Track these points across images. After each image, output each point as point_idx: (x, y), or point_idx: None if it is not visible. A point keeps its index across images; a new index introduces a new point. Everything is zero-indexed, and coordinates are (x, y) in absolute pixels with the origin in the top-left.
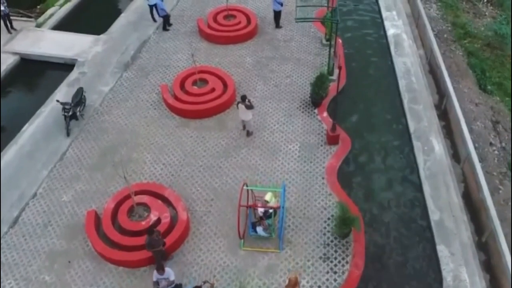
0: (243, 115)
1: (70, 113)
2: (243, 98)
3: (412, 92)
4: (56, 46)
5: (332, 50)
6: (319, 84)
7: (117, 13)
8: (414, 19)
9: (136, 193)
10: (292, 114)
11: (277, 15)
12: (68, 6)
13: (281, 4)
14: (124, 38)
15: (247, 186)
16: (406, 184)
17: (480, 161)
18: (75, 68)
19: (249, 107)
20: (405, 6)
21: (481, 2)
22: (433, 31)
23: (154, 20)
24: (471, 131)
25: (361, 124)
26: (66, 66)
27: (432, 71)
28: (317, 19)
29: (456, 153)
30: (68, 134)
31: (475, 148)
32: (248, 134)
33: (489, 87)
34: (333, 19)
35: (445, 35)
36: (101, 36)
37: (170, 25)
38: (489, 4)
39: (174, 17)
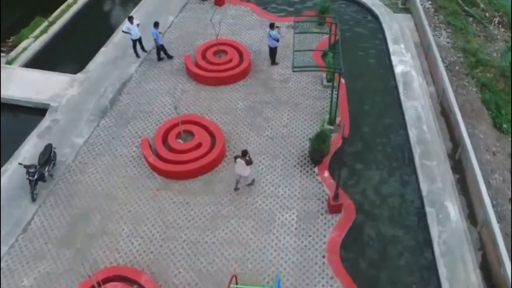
0: (241, 171)
1: (36, 176)
2: (244, 153)
3: (423, 144)
4: (27, 87)
5: (335, 92)
6: (319, 142)
7: (97, 46)
8: (424, 49)
9: (108, 280)
10: (289, 174)
11: (272, 51)
12: (44, 38)
13: (277, 40)
14: (102, 77)
15: (236, 283)
16: (419, 265)
17: (498, 221)
18: (47, 115)
19: (249, 162)
20: (413, 33)
21: (492, 24)
22: (444, 62)
23: (138, 56)
24: (488, 186)
25: (367, 186)
26: (38, 111)
27: (444, 113)
28: (318, 68)
29: (472, 213)
30: (34, 199)
31: (493, 205)
32: (250, 183)
33: (504, 125)
34: (336, 68)
35: (457, 67)
36: (78, 75)
37: (160, 59)
38: (500, 26)
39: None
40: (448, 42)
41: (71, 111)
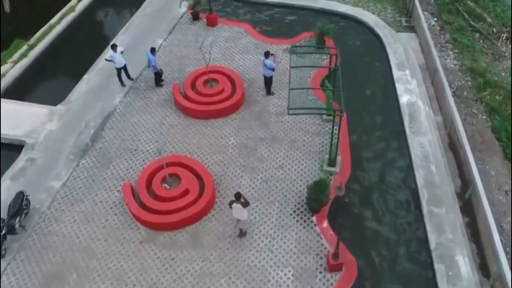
0: (239, 215)
1: (4, 230)
2: (238, 196)
3: (432, 188)
4: (3, 120)
5: (336, 128)
6: (317, 192)
7: (80, 72)
8: (430, 73)
9: None
10: (284, 224)
11: (268, 80)
12: (24, 63)
13: (273, 69)
14: (84, 109)
15: None
16: None
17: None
18: (22, 153)
19: (246, 204)
20: (418, 55)
21: (500, 40)
22: (451, 87)
23: (123, 85)
24: (501, 231)
25: (370, 239)
26: (13, 148)
27: (453, 146)
28: (317, 109)
29: (483, 262)
30: (2, 256)
31: (506, 253)
32: (241, 234)
33: None
34: (337, 110)
35: (465, 93)
36: (58, 107)
37: (161, 81)
38: (508, 42)
39: (146, 79)
40: (455, 64)
41: (49, 149)
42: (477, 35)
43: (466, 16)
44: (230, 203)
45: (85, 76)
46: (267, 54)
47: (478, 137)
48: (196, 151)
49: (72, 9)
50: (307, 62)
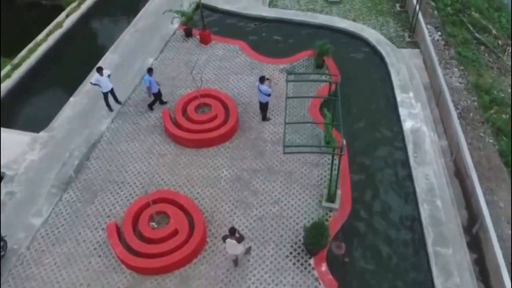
0: (234, 251)
1: None
2: (232, 231)
3: (438, 225)
4: None
5: (336, 158)
6: (315, 235)
7: (66, 95)
8: (434, 93)
9: None
10: (280, 268)
11: (263, 106)
12: (7, 84)
13: (269, 95)
14: (69, 138)
15: None
16: None
17: None
18: (1, 186)
19: (241, 239)
20: (422, 72)
21: (505, 53)
22: (457, 108)
23: (111, 109)
24: (510, 268)
25: (371, 284)
26: None
27: (459, 174)
28: (315, 147)
29: None
30: None
31: None
32: (246, 251)
33: None
34: (337, 148)
35: (471, 114)
36: (41, 134)
37: (158, 103)
38: None
39: (136, 103)
40: (460, 83)
41: (29, 182)
42: (482, 48)
43: (471, 28)
44: (224, 238)
45: (71, 99)
46: (262, 79)
47: (486, 163)
48: (186, 184)
49: (59, 25)
50: (304, 84)
